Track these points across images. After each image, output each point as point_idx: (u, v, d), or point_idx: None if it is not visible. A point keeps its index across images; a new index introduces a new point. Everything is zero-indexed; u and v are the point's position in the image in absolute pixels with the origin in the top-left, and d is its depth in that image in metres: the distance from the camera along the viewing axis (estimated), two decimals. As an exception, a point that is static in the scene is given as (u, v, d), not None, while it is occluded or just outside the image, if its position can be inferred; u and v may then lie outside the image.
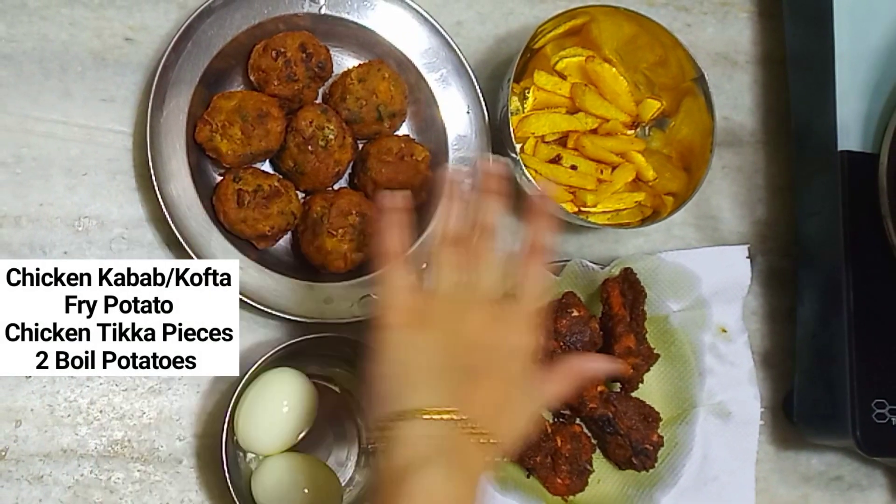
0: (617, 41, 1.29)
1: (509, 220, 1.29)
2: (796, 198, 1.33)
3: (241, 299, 1.15)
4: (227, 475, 1.09)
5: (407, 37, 1.26)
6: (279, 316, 1.17)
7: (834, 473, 1.34)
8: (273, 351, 1.12)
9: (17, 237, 1.16)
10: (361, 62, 1.25)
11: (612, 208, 1.28)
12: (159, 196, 1.15)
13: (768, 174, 1.38)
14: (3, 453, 1.13)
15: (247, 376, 1.11)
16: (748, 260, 1.29)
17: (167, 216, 1.15)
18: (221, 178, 1.20)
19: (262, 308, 1.16)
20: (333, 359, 1.19)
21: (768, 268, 1.35)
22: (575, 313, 1.21)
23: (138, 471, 1.16)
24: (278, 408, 1.14)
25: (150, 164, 1.15)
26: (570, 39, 1.29)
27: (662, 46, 1.27)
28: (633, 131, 1.31)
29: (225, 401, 1.14)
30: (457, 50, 1.26)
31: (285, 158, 1.20)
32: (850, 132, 1.24)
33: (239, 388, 1.11)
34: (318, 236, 1.19)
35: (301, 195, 1.23)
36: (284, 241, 1.23)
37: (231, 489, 1.09)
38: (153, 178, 1.15)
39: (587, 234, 1.31)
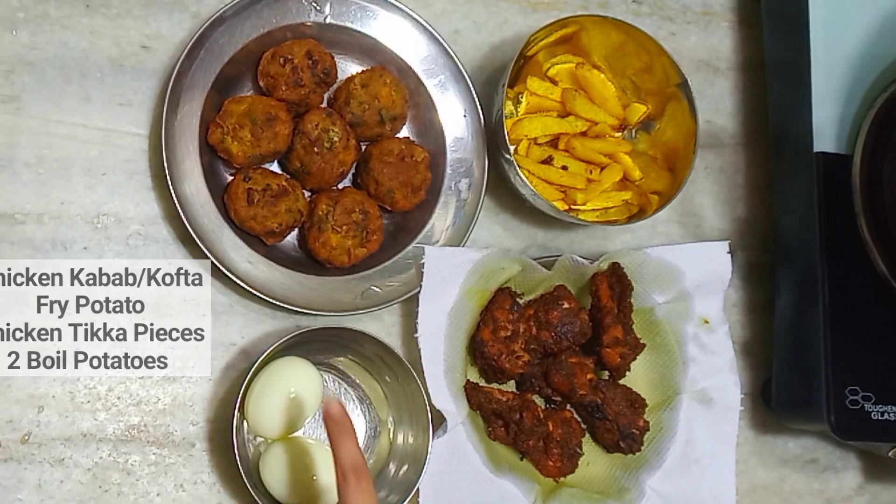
0: (605, 49, 1.29)
1: (506, 217, 1.30)
2: (774, 196, 1.33)
3: (250, 292, 1.16)
4: (237, 458, 1.09)
5: (407, 45, 1.26)
6: (287, 308, 1.18)
7: (810, 456, 1.35)
8: (281, 341, 1.12)
9: (39, 234, 1.16)
10: (364, 68, 1.25)
11: (600, 206, 1.28)
12: (174, 195, 1.15)
13: (748, 174, 1.38)
14: (27, 437, 1.13)
15: (256, 365, 1.11)
16: (729, 255, 1.29)
17: (181, 214, 1.15)
18: (232, 177, 1.20)
19: (270, 300, 1.17)
20: (338, 348, 1.19)
21: (748, 262, 1.35)
22: (566, 305, 1.22)
23: (154, 454, 1.16)
24: (285, 394, 1.14)
25: (165, 164, 1.15)
26: (561, 47, 1.29)
27: (648, 54, 1.27)
28: (620, 134, 1.31)
29: (235, 388, 1.14)
30: (454, 57, 1.27)
31: (292, 159, 1.21)
32: (826, 134, 1.24)
33: (248, 376, 1.11)
34: (323, 232, 1.19)
35: (307, 194, 1.23)
36: (292, 238, 1.23)
37: (241, 471, 1.09)
38: (168, 177, 1.15)
39: (577, 231, 1.31)
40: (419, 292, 1.20)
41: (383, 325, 1.24)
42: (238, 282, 1.16)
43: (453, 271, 1.22)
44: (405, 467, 1.18)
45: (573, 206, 1.27)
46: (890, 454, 1.22)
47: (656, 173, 1.28)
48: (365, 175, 1.23)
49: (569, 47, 1.30)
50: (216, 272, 1.18)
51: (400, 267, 1.23)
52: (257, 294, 1.16)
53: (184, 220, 1.15)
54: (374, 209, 1.22)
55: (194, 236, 1.15)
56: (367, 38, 1.25)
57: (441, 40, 1.26)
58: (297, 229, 1.23)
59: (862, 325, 1.21)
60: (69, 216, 1.18)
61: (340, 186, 1.24)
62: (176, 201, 1.15)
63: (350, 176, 1.25)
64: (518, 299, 1.23)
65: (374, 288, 1.21)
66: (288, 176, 1.21)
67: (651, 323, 1.28)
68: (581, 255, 1.25)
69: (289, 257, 1.21)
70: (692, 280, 1.28)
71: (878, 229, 1.20)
